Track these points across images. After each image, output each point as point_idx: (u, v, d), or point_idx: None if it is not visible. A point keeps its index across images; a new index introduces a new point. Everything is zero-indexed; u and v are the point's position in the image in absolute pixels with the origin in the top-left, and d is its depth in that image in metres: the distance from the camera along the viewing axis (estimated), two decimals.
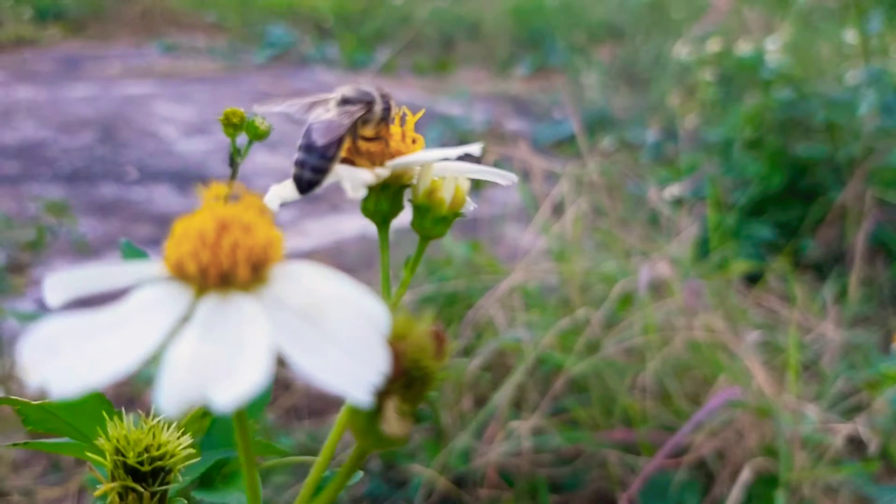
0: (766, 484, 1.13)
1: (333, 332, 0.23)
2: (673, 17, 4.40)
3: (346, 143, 0.36)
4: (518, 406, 1.32)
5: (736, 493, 1.08)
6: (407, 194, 0.38)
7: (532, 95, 4.12)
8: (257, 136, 0.44)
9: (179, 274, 0.24)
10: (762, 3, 3.54)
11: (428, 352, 0.25)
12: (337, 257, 2.17)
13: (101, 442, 0.35)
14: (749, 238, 1.98)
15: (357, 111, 0.36)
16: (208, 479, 0.39)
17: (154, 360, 0.22)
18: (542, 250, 1.62)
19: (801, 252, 1.98)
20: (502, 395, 1.26)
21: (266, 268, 0.24)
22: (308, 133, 0.35)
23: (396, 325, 0.25)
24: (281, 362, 0.22)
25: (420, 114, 0.38)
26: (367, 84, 0.37)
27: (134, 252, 0.43)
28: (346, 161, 0.36)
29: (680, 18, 4.22)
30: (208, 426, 0.42)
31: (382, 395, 0.24)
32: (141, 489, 0.34)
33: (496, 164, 1.74)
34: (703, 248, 1.77)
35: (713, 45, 2.78)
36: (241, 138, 0.46)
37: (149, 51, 4.94)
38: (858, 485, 1.11)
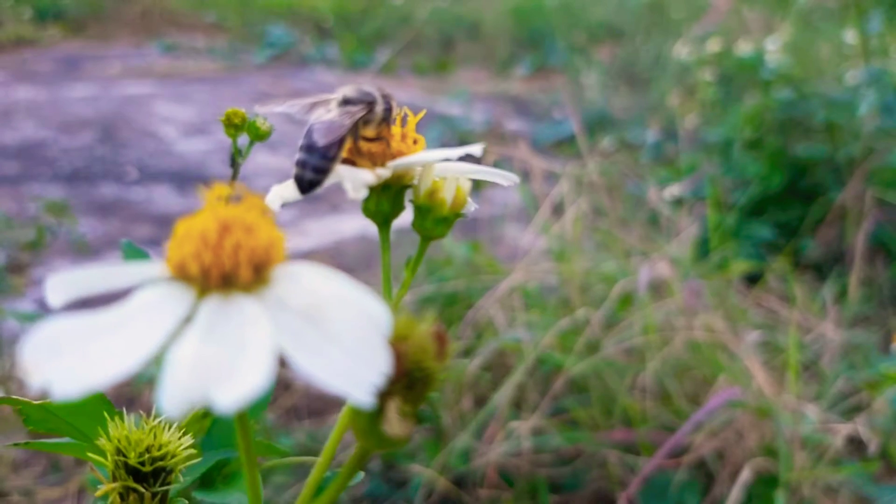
0: (766, 484, 1.13)
1: (335, 333, 0.23)
2: (673, 17, 4.40)
3: (348, 144, 0.36)
4: (518, 406, 1.32)
5: (736, 493, 1.08)
6: (408, 195, 0.38)
7: (532, 95, 4.12)
8: (258, 136, 0.44)
9: (181, 275, 0.24)
10: (762, 3, 3.54)
11: (429, 353, 0.25)
12: (337, 257, 2.17)
13: (102, 442, 0.35)
14: (749, 238, 1.98)
15: (358, 111, 0.36)
16: (209, 480, 0.39)
17: (155, 361, 0.22)
18: (542, 250, 1.62)
19: (801, 252, 1.98)
20: (502, 395, 1.26)
21: (268, 269, 0.24)
22: (309, 133, 0.35)
23: (398, 326, 0.25)
24: (281, 362, 0.22)
25: (421, 114, 0.38)
26: (368, 84, 0.37)
27: (135, 252, 0.43)
28: (347, 161, 0.36)
29: (680, 18, 4.22)
30: (209, 426, 0.42)
31: (384, 395, 0.24)
32: (142, 489, 0.34)
33: (496, 165, 1.74)
34: (703, 248, 1.77)
35: (713, 45, 2.78)
36: (242, 139, 0.46)
37: (149, 51, 4.94)
38: (858, 485, 1.11)
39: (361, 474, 0.29)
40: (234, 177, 0.45)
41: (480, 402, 1.33)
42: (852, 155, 2.05)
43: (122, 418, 0.35)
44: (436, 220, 0.36)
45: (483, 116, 3.56)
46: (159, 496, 0.35)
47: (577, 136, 1.98)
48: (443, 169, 0.37)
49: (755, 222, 2.04)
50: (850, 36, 2.58)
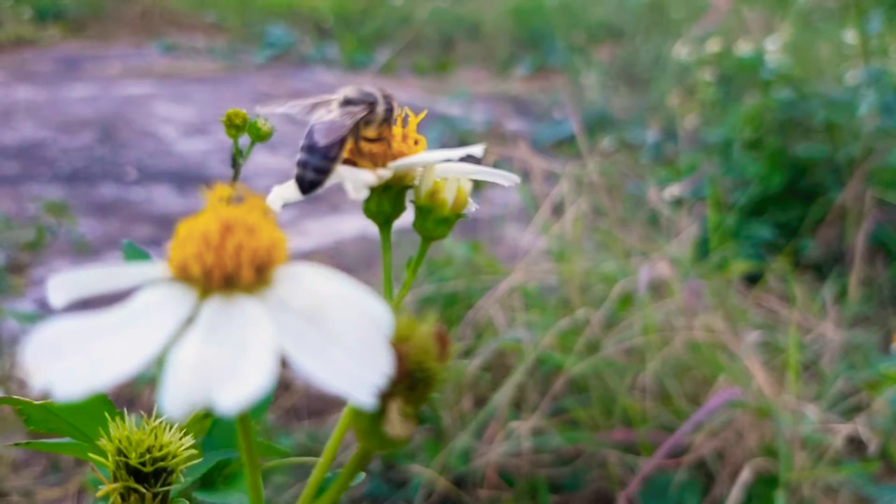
0: (766, 484, 1.13)
1: (337, 334, 0.23)
2: (673, 18, 4.40)
3: (349, 144, 0.36)
4: (518, 406, 1.32)
5: (736, 493, 1.08)
6: (409, 195, 0.38)
7: (532, 95, 4.12)
8: (259, 137, 0.44)
9: (183, 276, 0.24)
10: (762, 3, 3.54)
11: (431, 354, 0.25)
12: (336, 257, 2.17)
13: (103, 442, 0.35)
14: (749, 238, 1.98)
15: (359, 112, 0.36)
16: (210, 480, 0.40)
17: (155, 361, 0.21)
18: (542, 250, 1.62)
19: (800, 252, 1.99)
20: (502, 396, 1.26)
21: (270, 270, 0.24)
22: (310, 134, 0.35)
23: (399, 327, 0.25)
24: (281, 363, 0.22)
25: (422, 115, 0.38)
26: (369, 85, 0.37)
27: (136, 253, 0.43)
28: (348, 162, 0.36)
29: (680, 18, 4.22)
30: (209, 427, 0.42)
31: (386, 396, 0.24)
32: (143, 490, 0.34)
33: (496, 165, 1.74)
34: (703, 249, 1.77)
35: (713, 46, 2.78)
36: (243, 139, 0.46)
37: (148, 51, 4.94)
38: (858, 485, 1.11)
39: (362, 475, 0.29)
40: (235, 177, 0.45)
41: (480, 402, 1.33)
42: (852, 155, 2.05)
43: (122, 419, 0.35)
44: (437, 220, 0.36)
45: (483, 116, 3.56)
46: (160, 496, 0.35)
47: (577, 136, 1.98)
48: (444, 169, 0.37)
49: (755, 222, 2.04)
50: (850, 36, 2.58)
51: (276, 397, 1.50)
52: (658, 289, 1.42)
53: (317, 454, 0.30)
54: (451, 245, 1.62)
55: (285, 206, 0.37)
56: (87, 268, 0.25)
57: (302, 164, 0.35)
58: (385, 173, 0.35)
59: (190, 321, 0.22)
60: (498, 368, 1.40)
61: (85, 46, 4.97)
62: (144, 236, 2.24)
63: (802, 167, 2.15)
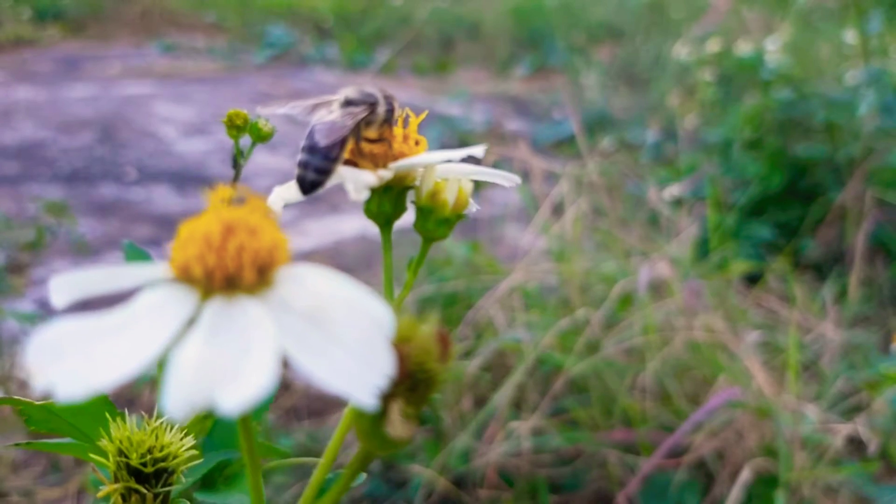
0: (766, 484, 1.13)
1: (339, 335, 0.23)
2: (673, 18, 4.40)
3: (350, 145, 0.36)
4: (518, 406, 1.32)
5: (736, 493, 1.08)
6: (410, 196, 0.38)
7: (532, 96, 4.12)
8: (261, 137, 0.44)
9: (185, 277, 0.24)
10: (762, 3, 3.54)
11: (432, 354, 0.25)
12: (336, 257, 2.17)
13: (104, 443, 0.35)
14: (749, 238, 1.98)
15: (360, 112, 0.36)
16: (210, 481, 0.40)
17: (155, 362, 0.21)
18: (542, 250, 1.62)
19: (800, 252, 1.99)
20: (502, 396, 1.26)
21: (271, 271, 0.24)
22: (311, 134, 0.35)
23: (401, 328, 0.25)
24: (282, 363, 0.22)
25: (423, 116, 0.38)
26: (370, 86, 0.37)
27: (136, 253, 0.43)
28: (349, 162, 0.36)
29: (679, 18, 4.22)
30: (210, 427, 0.42)
31: (387, 397, 0.24)
32: (144, 490, 0.34)
33: (496, 165, 1.74)
34: (703, 249, 1.77)
35: (713, 46, 2.78)
36: (244, 140, 0.46)
37: (148, 51, 4.94)
38: (858, 485, 1.11)
39: (364, 475, 0.29)
40: (236, 178, 0.45)
41: (480, 402, 1.33)
42: (852, 155, 2.06)
43: (123, 419, 0.35)
44: (438, 221, 0.36)
45: (483, 116, 3.56)
46: (161, 497, 0.35)
47: (577, 136, 1.98)
48: (445, 170, 0.37)
49: (755, 222, 2.04)
50: (850, 36, 2.58)
51: (276, 397, 1.50)
52: (658, 289, 1.42)
53: (317, 454, 0.30)
54: (451, 245, 1.62)
55: (286, 206, 0.37)
56: (89, 268, 0.25)
57: (303, 165, 0.35)
58: (386, 174, 0.35)
59: (192, 322, 0.22)
60: (498, 368, 1.40)
61: (85, 46, 4.97)
62: (144, 236, 2.24)
63: (802, 167, 2.15)
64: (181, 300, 0.23)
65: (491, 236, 2.10)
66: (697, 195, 2.05)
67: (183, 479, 0.36)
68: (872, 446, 1.12)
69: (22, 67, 4.32)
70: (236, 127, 0.44)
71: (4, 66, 4.30)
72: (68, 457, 1.31)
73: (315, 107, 0.37)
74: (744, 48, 2.66)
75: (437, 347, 0.25)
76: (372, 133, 0.37)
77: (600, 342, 1.31)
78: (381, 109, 0.36)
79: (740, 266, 1.66)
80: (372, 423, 0.25)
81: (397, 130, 0.37)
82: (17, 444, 0.38)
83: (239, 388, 0.20)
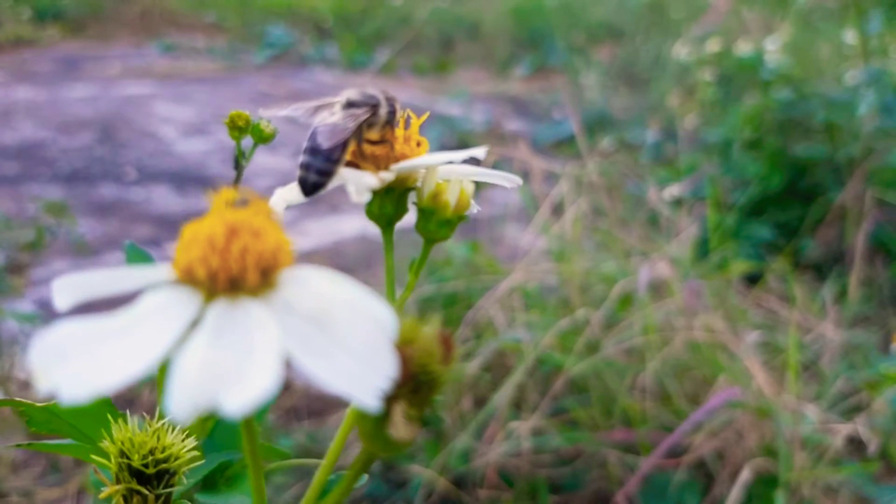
0: (765, 484, 1.13)
1: (342, 336, 0.23)
2: (672, 18, 4.40)
3: (351, 147, 0.36)
4: (518, 406, 1.32)
5: (736, 494, 1.08)
6: (411, 197, 0.38)
7: (532, 96, 4.12)
8: (262, 139, 0.44)
9: (189, 279, 0.24)
10: (762, 3, 3.54)
11: (435, 356, 0.25)
12: (336, 258, 2.17)
13: (105, 444, 0.35)
14: (749, 238, 1.99)
15: (362, 114, 0.36)
16: (211, 482, 0.40)
17: (157, 363, 0.22)
18: (542, 250, 1.62)
19: (800, 252, 1.99)
20: (502, 396, 1.26)
21: (275, 272, 0.24)
22: (313, 136, 0.35)
23: (403, 330, 0.25)
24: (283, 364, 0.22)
25: (424, 117, 0.38)
26: (372, 87, 0.37)
27: (137, 253, 0.43)
28: (350, 164, 0.36)
29: (679, 18, 4.22)
30: (211, 428, 0.42)
31: (390, 399, 0.24)
32: (146, 492, 0.34)
33: (496, 165, 1.75)
34: (702, 249, 1.77)
35: (713, 46, 2.79)
36: (245, 141, 0.46)
37: (148, 51, 4.94)
38: (858, 485, 1.11)
39: (366, 477, 0.29)
40: (238, 179, 0.45)
41: (480, 402, 1.33)
42: (852, 155, 2.06)
43: (125, 420, 0.36)
44: (439, 222, 0.36)
45: (483, 117, 3.56)
46: (163, 498, 0.35)
47: (577, 137, 1.98)
48: (446, 171, 0.37)
49: (755, 222, 2.05)
50: (850, 36, 2.59)
51: (277, 398, 1.50)
52: (658, 289, 1.42)
53: (316, 455, 0.30)
54: (452, 245, 1.62)
55: (287, 207, 0.37)
56: (92, 270, 0.25)
57: (305, 167, 0.35)
58: (387, 176, 0.35)
59: (195, 324, 0.22)
60: (498, 368, 1.41)
61: (85, 46, 4.96)
62: (144, 236, 2.24)
63: (802, 167, 2.15)
64: (185, 302, 0.23)
65: (491, 236, 2.10)
66: (697, 195, 2.05)
67: (184, 481, 0.36)
68: (872, 446, 1.12)
69: (22, 67, 4.31)
70: (238, 128, 0.44)
71: (4, 66, 4.30)
72: (68, 457, 1.31)
73: (317, 109, 0.37)
74: (744, 48, 2.67)
75: (439, 349, 0.25)
76: (374, 135, 0.37)
77: (600, 342, 1.31)
78: (383, 111, 0.36)
79: (740, 266, 1.66)
80: (375, 424, 0.25)
81: (398, 132, 0.37)
82: (17, 445, 0.38)
83: (243, 390, 0.20)
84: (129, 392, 1.36)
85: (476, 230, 2.10)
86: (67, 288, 0.24)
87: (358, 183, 0.34)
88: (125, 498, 0.35)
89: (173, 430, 0.36)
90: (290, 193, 0.36)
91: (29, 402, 0.36)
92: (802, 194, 2.11)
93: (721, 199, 2.00)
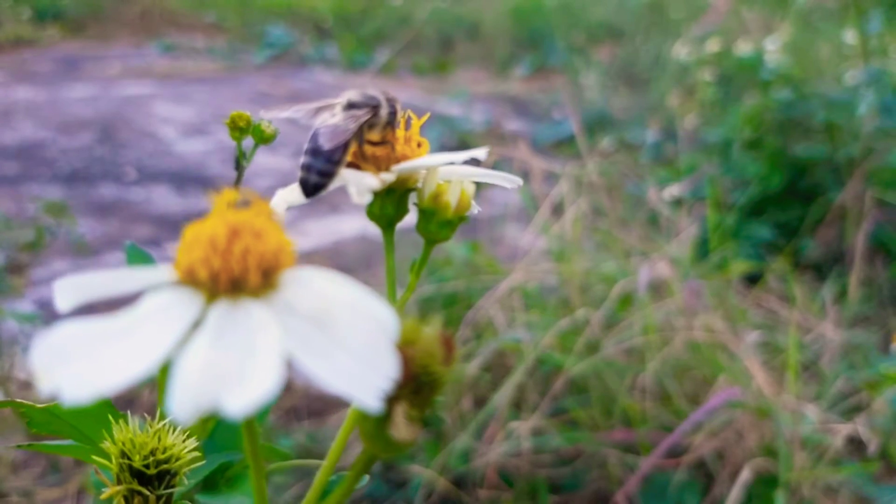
0: (765, 484, 1.13)
1: (343, 337, 0.23)
2: (672, 18, 4.40)
3: (352, 148, 0.36)
4: (518, 406, 1.32)
5: (736, 493, 1.08)
6: (412, 198, 0.38)
7: (532, 96, 4.12)
8: (263, 139, 0.44)
9: (190, 280, 0.24)
10: (762, 3, 3.54)
11: (437, 357, 0.25)
12: (336, 258, 2.17)
13: (106, 445, 0.35)
14: (749, 238, 1.99)
15: (363, 115, 0.36)
16: (212, 482, 0.40)
17: (161, 365, 0.22)
18: (542, 251, 1.62)
19: (800, 252, 1.99)
20: (502, 396, 1.26)
21: (276, 273, 0.24)
22: (314, 137, 0.35)
23: (405, 331, 0.25)
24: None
25: (425, 118, 0.38)
26: (372, 88, 0.37)
27: (138, 254, 0.43)
28: (351, 165, 0.36)
29: (679, 18, 4.22)
30: (212, 429, 0.42)
31: (391, 400, 0.24)
32: (146, 492, 0.34)
33: (496, 165, 1.75)
34: (702, 249, 1.77)
35: (712, 46, 2.79)
36: (245, 141, 0.46)
37: (148, 51, 4.94)
38: (858, 485, 1.11)
39: (367, 477, 0.29)
40: (239, 180, 0.45)
41: (480, 402, 1.33)
42: (852, 155, 2.06)
43: (126, 421, 0.36)
44: (440, 223, 0.36)
45: (483, 117, 3.56)
46: (164, 499, 0.35)
47: (577, 137, 1.98)
48: (447, 172, 0.37)
49: (755, 222, 2.05)
50: (850, 36, 2.59)
51: (278, 398, 1.50)
52: (658, 289, 1.42)
53: (316, 455, 0.30)
54: (452, 245, 1.62)
55: (287, 208, 0.37)
56: (93, 271, 0.25)
57: (306, 168, 0.35)
58: (388, 177, 0.35)
59: (197, 325, 0.22)
60: (498, 368, 1.41)
61: (84, 46, 4.96)
62: (144, 236, 2.24)
63: (802, 167, 2.15)
64: (186, 303, 0.23)
65: (491, 236, 2.10)
66: (697, 195, 2.05)
67: (185, 481, 0.36)
68: (872, 446, 1.12)
69: (22, 67, 4.31)
70: (239, 129, 0.44)
71: (4, 66, 4.30)
72: (68, 458, 1.31)
73: (318, 110, 0.37)
74: (743, 48, 2.67)
75: (440, 350, 0.25)
76: (374, 136, 0.37)
77: (600, 342, 1.31)
78: (384, 112, 0.36)
79: (740, 266, 1.66)
80: (376, 425, 0.25)
81: (399, 132, 0.37)
82: (18, 446, 0.38)
83: (244, 391, 0.20)
84: (129, 393, 1.36)
85: (476, 230, 2.10)
86: (69, 289, 0.24)
87: (359, 184, 0.34)
88: (126, 498, 0.35)
89: (174, 430, 0.36)
90: (291, 194, 0.36)
91: (29, 402, 0.36)
92: (802, 194, 2.11)
93: (721, 199, 2.01)
